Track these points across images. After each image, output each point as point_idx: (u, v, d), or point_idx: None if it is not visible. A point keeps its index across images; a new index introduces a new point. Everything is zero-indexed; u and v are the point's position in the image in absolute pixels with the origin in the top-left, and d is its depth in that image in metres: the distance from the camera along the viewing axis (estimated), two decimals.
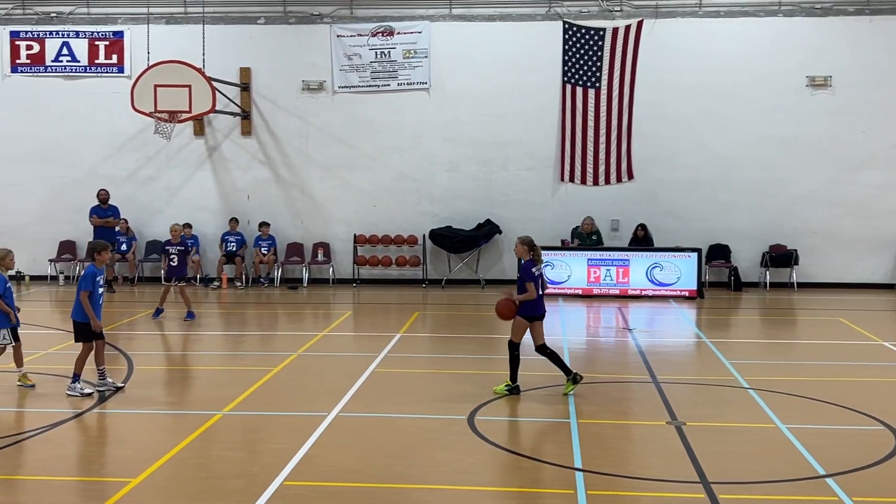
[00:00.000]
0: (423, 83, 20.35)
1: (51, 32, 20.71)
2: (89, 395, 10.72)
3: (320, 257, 20.74)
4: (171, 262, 16.01)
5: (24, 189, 20.84)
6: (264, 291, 20.02)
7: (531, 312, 10.69)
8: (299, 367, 12.51)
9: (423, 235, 20.44)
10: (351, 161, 20.69)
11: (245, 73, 20.50)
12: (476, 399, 10.55)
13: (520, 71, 20.21)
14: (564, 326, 15.86)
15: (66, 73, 20.79)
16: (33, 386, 11.05)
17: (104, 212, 19.93)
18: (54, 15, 20.74)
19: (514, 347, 10.78)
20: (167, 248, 16.16)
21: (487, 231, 20.23)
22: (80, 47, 20.68)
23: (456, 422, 9.73)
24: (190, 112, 18.09)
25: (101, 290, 10.92)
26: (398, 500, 7.59)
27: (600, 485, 7.77)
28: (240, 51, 20.49)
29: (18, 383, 11.07)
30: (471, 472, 8.21)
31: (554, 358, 10.80)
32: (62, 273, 20.80)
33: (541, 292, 10.67)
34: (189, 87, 17.86)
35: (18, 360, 11.14)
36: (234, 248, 20.45)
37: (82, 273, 10.97)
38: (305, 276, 20.74)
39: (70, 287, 20.16)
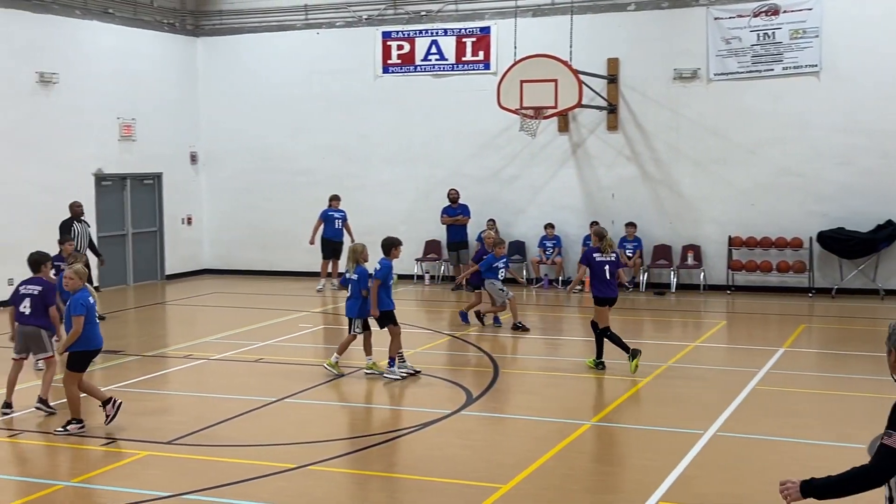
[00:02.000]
0: (812, 66, 19.35)
1: (420, 31, 22.26)
2: (409, 375, 12.24)
3: (690, 261, 20.44)
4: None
5: (394, 189, 22.58)
6: (629, 297, 20.09)
7: (598, 294, 12.40)
8: (669, 380, 12.43)
9: (810, 238, 19.45)
10: (726, 155, 20.18)
11: (613, 63, 20.72)
12: (876, 426, 9.83)
13: None
14: None
15: (434, 72, 22.25)
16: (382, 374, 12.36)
17: (454, 211, 21.15)
18: (424, 13, 22.28)
19: (595, 328, 12.55)
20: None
21: (889, 234, 18.81)
22: (448, 45, 22.04)
23: (853, 451, 9.14)
24: (556, 108, 18.55)
25: (391, 281, 12.36)
26: None
27: None
28: (608, 41, 20.72)
29: (367, 371, 12.44)
30: None
31: (607, 340, 12.48)
32: (427, 273, 22.27)
33: (608, 278, 12.34)
34: (555, 81, 18.32)
35: (368, 349, 12.54)
36: None
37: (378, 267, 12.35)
38: (673, 280, 20.54)
39: (434, 286, 21.59)
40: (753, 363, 13.10)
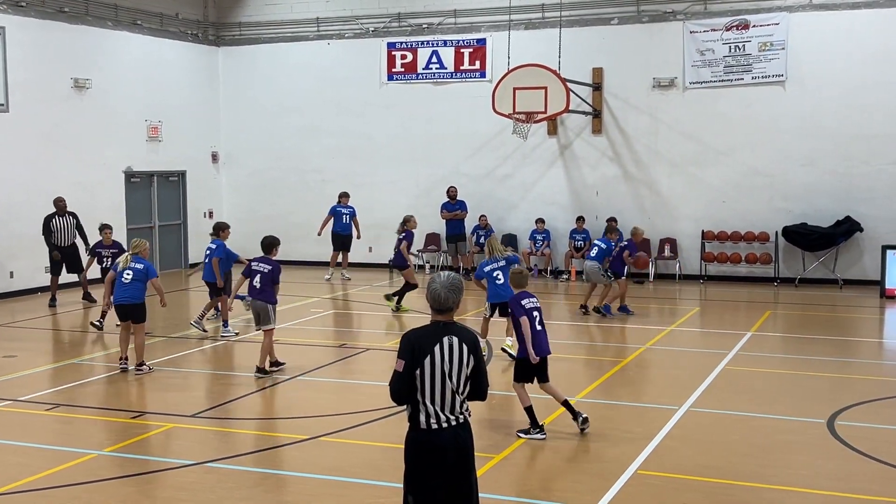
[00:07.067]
0: (778, 76, 19.37)
1: (422, 42, 22.24)
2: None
3: (667, 253, 20.47)
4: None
5: (398, 186, 22.56)
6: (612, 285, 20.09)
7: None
8: (648, 361, 12.48)
9: (776, 232, 19.48)
10: (700, 157, 20.20)
11: (597, 72, 20.71)
12: (835, 403, 9.93)
13: (888, 60, 18.60)
14: None
15: (434, 80, 22.23)
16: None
17: (452, 206, 21.16)
18: (425, 26, 22.25)
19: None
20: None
21: (846, 229, 18.84)
22: (448, 55, 22.01)
23: (814, 425, 9.23)
24: (545, 112, 18.56)
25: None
26: (753, 499, 7.36)
27: None
28: (593, 51, 20.71)
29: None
30: (831, 477, 7.75)
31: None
32: (428, 263, 22.28)
33: None
34: (545, 88, 18.33)
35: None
36: (581, 245, 20.73)
37: None
38: (652, 270, 20.58)
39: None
40: (724, 345, 13.14)
